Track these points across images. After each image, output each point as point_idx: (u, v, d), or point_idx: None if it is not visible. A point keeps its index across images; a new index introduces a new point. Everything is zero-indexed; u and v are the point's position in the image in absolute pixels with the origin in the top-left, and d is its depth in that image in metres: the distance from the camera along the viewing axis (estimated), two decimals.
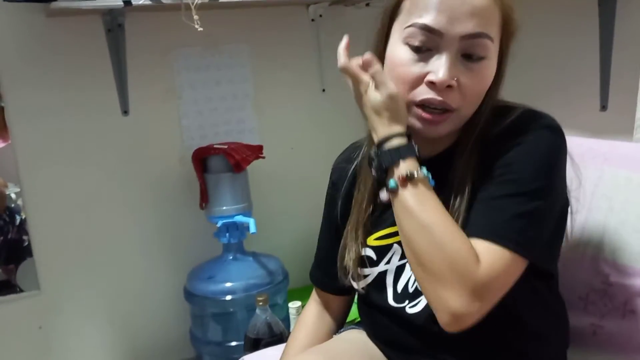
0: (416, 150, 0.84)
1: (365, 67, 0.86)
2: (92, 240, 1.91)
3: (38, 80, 1.79)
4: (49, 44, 1.78)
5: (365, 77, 0.86)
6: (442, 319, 0.78)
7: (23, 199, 1.83)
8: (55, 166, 1.84)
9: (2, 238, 1.91)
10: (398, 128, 0.84)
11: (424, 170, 0.83)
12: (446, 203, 0.84)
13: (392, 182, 0.83)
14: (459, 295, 0.76)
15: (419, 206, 0.81)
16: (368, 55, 0.86)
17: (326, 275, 1.10)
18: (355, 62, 0.87)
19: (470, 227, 0.82)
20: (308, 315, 1.16)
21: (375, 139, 0.86)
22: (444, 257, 0.77)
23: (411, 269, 0.85)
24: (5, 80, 1.75)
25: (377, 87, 0.84)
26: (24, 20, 1.74)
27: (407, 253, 0.83)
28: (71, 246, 1.89)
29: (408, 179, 0.81)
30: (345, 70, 0.87)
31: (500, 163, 0.83)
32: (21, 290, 1.88)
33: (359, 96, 0.88)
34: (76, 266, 1.90)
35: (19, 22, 1.74)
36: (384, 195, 0.87)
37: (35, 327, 1.88)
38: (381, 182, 0.86)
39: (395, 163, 0.83)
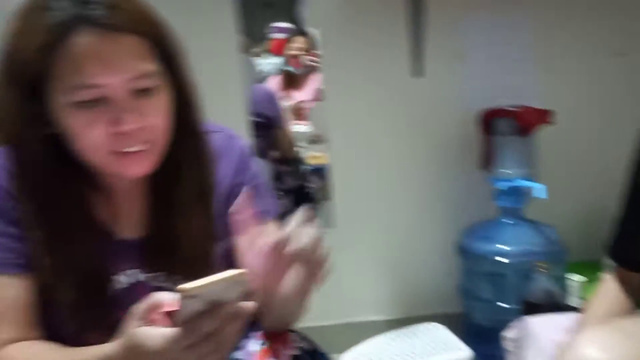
0: None
1: None
2: (378, 188, 2.10)
3: (341, 41, 1.99)
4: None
5: None
6: None
7: (330, 150, 2.08)
8: (353, 123, 2.05)
9: (294, 183, 2.23)
10: None
11: None
12: None
13: None
14: None
15: None
16: None
17: (633, 251, 1.06)
18: None
19: None
20: (609, 288, 1.13)
21: None
22: None
23: None
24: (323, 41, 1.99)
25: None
26: None
27: None
28: (361, 190, 2.10)
29: None
30: None
31: None
32: (323, 226, 2.16)
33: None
34: (364, 209, 2.11)
35: None
36: None
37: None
38: None
39: None
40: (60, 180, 0.82)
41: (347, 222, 2.12)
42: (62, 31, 0.74)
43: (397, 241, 2.14)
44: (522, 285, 1.73)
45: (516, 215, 1.89)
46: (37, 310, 0.85)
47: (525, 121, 1.75)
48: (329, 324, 2.11)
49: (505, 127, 1.83)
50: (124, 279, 0.89)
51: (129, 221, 0.91)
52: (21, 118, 0.79)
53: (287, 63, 2.39)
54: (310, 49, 2.30)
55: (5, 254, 0.82)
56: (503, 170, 1.84)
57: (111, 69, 0.76)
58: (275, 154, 2.30)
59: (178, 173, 0.89)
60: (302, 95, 2.39)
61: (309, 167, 2.25)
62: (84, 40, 0.74)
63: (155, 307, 0.69)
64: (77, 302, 0.82)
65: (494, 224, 1.92)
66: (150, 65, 0.80)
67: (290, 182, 2.27)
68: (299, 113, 2.38)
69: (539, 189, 1.73)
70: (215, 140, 0.96)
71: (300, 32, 2.33)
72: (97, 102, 0.77)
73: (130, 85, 0.78)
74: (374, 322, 2.16)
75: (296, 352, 0.88)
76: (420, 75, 1.98)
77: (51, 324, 0.86)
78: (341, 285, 2.15)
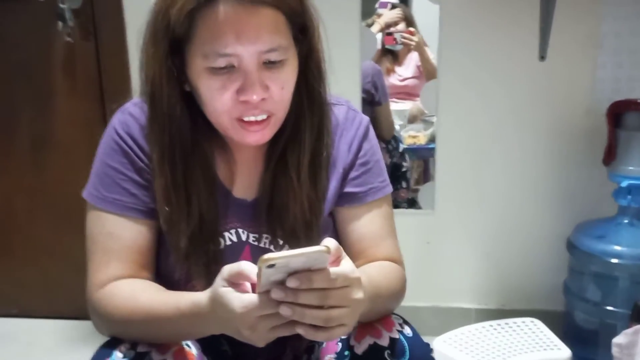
0: None
1: None
2: (486, 173, 2.03)
3: (460, 17, 1.93)
4: None
5: None
6: None
7: (437, 128, 2.04)
8: (467, 102, 1.99)
9: (390, 160, 2.21)
10: None
11: None
12: None
13: None
14: None
15: None
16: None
17: None
18: None
19: None
20: None
21: None
22: None
23: None
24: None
25: None
26: None
27: None
28: (467, 175, 2.04)
29: None
30: None
31: None
32: (420, 208, 2.14)
33: None
34: (468, 194, 2.06)
35: None
36: None
37: (424, 242, 2.13)
38: None
39: None
40: (189, 135, 0.87)
41: (448, 206, 2.07)
42: None
43: (502, 230, 2.07)
44: (634, 290, 1.63)
45: (635, 215, 1.77)
46: (151, 255, 0.91)
47: None
48: (420, 305, 2.11)
49: (634, 121, 1.70)
50: (232, 235, 0.93)
51: (245, 182, 0.95)
52: (162, 74, 0.84)
53: (382, 39, 2.35)
54: (405, 23, 2.23)
55: (128, 198, 0.89)
56: (626, 167, 1.72)
57: (247, 40, 0.80)
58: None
59: (297, 142, 0.91)
60: (402, 72, 2.35)
61: (405, 146, 2.23)
62: (227, 9, 0.79)
63: (241, 274, 0.71)
64: (187, 250, 0.87)
65: (610, 223, 1.81)
66: (283, 40, 0.83)
67: (385, 160, 2.25)
68: (398, 90, 2.35)
69: None
70: (337, 114, 0.98)
71: (394, 6, 2.27)
72: (229, 70, 0.82)
73: (262, 57, 0.81)
74: (467, 310, 2.13)
75: (396, 335, 0.88)
76: (547, 59, 1.87)
77: (163, 270, 0.92)
78: (437, 269, 2.13)
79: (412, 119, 2.27)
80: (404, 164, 2.24)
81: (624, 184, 1.72)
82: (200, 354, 0.93)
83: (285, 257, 0.66)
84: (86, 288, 0.89)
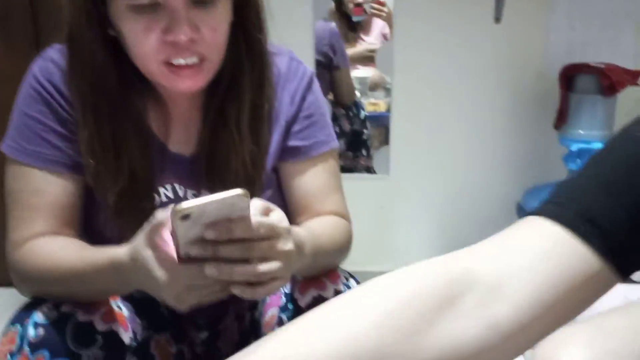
0: None
1: None
2: (440, 137, 2.03)
3: None
4: None
5: None
6: None
7: (392, 91, 2.01)
8: (422, 65, 1.96)
9: (350, 127, 2.18)
10: None
11: None
12: None
13: None
14: None
15: None
16: None
17: None
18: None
19: None
20: None
21: None
22: None
23: None
24: None
25: None
26: None
27: None
28: (422, 139, 2.03)
29: None
30: None
31: None
32: (373, 172, 2.13)
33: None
34: (422, 158, 2.05)
35: None
36: None
37: (378, 207, 2.11)
38: None
39: None
40: (114, 84, 0.81)
41: (403, 171, 2.06)
42: None
43: (454, 194, 2.07)
44: None
45: None
46: (76, 212, 0.85)
47: (609, 80, 1.63)
48: (374, 270, 2.10)
49: (587, 84, 1.71)
50: (167, 192, 0.88)
51: (182, 137, 0.90)
52: (82, 17, 0.78)
53: (350, 9, 2.31)
54: None
55: (50, 150, 0.82)
56: (577, 130, 1.73)
57: None
58: (332, 96, 2.25)
59: (235, 93, 0.86)
60: (367, 39, 2.31)
61: (366, 114, 2.20)
62: None
63: (159, 227, 0.66)
64: (117, 207, 0.82)
65: None
66: None
67: (345, 126, 2.22)
68: (362, 58, 2.31)
69: None
70: (279, 64, 0.93)
71: None
72: (154, 8, 0.76)
73: None
74: None
75: (341, 288, 0.86)
76: (502, 22, 1.85)
77: (94, 228, 0.87)
78: (390, 233, 2.12)
79: (374, 87, 2.24)
80: (365, 131, 2.21)
81: (574, 147, 1.72)
82: (132, 316, 0.88)
83: (199, 204, 0.61)
84: (6, 247, 0.83)
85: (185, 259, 0.64)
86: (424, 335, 0.45)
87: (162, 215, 0.66)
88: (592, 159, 0.53)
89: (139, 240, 0.68)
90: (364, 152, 2.19)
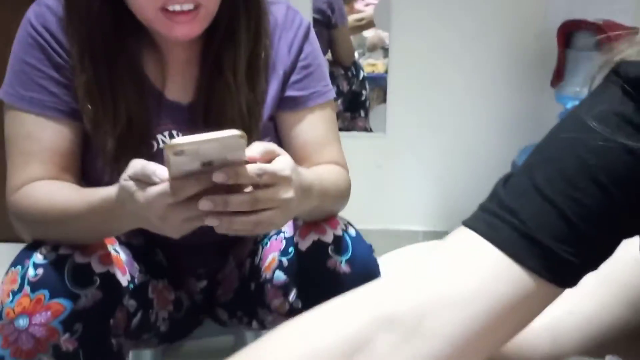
0: None
1: None
2: (437, 95, 2.03)
3: None
4: None
5: None
6: None
7: (390, 47, 2.00)
8: (420, 23, 1.95)
9: (348, 87, 2.17)
10: None
11: None
12: None
13: None
14: None
15: None
16: None
17: None
18: None
19: None
20: None
21: None
22: None
23: None
24: None
25: None
26: None
27: None
28: (418, 98, 2.03)
29: None
30: None
31: None
32: (370, 130, 2.13)
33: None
34: (419, 117, 2.05)
35: None
36: None
37: (375, 166, 2.13)
38: None
39: None
40: (110, 30, 0.81)
41: (400, 130, 2.07)
42: None
43: (451, 153, 2.08)
44: None
45: None
46: (73, 158, 0.86)
47: (608, 35, 1.62)
48: (370, 228, 2.12)
49: (584, 41, 1.70)
50: (165, 138, 0.89)
51: (179, 85, 0.90)
52: None
53: None
54: None
55: (47, 96, 0.83)
56: (573, 87, 1.73)
57: None
58: (331, 55, 2.24)
59: (233, 42, 0.86)
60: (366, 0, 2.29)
61: (365, 74, 2.19)
62: None
63: (145, 174, 0.66)
64: (115, 153, 0.83)
65: None
66: None
67: (344, 87, 2.21)
68: (361, 19, 2.29)
69: None
70: (276, 13, 0.93)
71: None
72: None
73: None
74: (415, 232, 2.16)
75: (340, 233, 0.87)
76: None
77: (92, 174, 0.88)
78: (387, 192, 2.14)
79: (372, 47, 2.22)
80: (363, 92, 2.20)
81: (570, 105, 1.72)
82: (130, 260, 0.90)
83: (195, 142, 0.60)
84: (6, 192, 0.85)
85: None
86: None
87: (151, 166, 0.67)
88: (538, 151, 0.50)
89: (122, 175, 0.69)
90: (362, 113, 2.19)
